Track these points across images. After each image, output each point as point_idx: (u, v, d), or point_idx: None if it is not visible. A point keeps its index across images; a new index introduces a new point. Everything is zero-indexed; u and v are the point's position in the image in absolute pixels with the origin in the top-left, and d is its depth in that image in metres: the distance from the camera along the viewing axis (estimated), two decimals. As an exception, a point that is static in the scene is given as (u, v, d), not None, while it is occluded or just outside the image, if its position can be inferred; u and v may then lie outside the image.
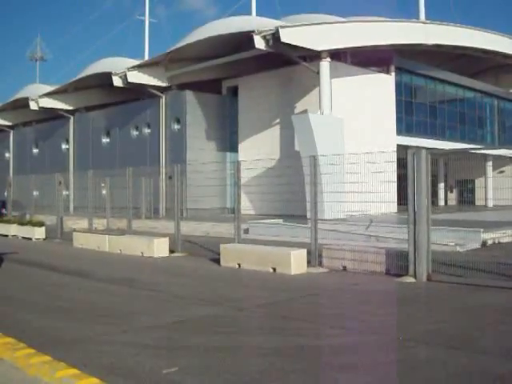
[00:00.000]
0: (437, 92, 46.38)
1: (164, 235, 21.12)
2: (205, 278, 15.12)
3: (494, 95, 53.23)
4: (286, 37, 31.52)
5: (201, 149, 39.91)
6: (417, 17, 42.31)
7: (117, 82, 40.51)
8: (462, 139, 46.76)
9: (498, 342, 8.37)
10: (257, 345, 8.28)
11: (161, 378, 6.69)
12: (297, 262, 15.20)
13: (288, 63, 35.65)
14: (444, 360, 7.39)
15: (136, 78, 40.00)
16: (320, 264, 15.73)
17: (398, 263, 14.31)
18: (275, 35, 31.40)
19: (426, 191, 13.52)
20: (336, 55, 35.08)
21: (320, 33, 33.83)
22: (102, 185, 29.97)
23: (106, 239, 21.86)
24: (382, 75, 40.17)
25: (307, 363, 7.35)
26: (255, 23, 34.65)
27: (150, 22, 56.88)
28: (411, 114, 43.33)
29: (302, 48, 32.70)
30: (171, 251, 19.84)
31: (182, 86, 41.14)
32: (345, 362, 7.41)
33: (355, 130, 34.25)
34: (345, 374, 6.91)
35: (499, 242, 20.64)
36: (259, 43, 31.93)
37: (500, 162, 39.52)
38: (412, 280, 13.42)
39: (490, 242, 20.91)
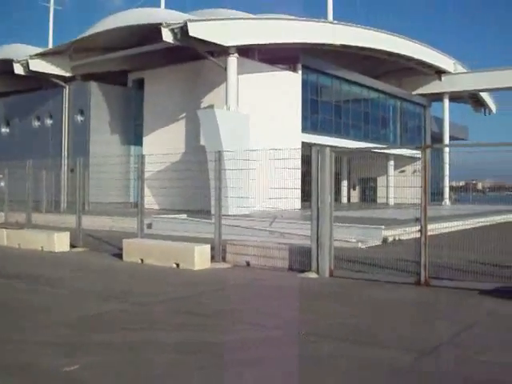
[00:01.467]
0: (342, 92, 47.18)
1: (65, 229, 20.58)
2: (107, 273, 14.81)
3: (398, 97, 54.63)
4: (195, 31, 31.32)
5: (105, 142, 39.03)
6: (325, 17, 42.93)
7: (18, 69, 39.02)
8: (366, 138, 47.77)
9: (397, 335, 8.56)
10: (160, 341, 8.16)
11: (60, 376, 6.47)
12: (200, 258, 15.10)
13: (196, 58, 35.37)
14: (345, 354, 7.54)
15: (38, 66, 38.67)
16: (224, 259, 15.68)
17: (301, 259, 14.45)
18: (183, 29, 31.14)
19: (330, 188, 13.68)
20: (244, 51, 35.09)
21: (228, 28, 33.81)
22: (0, 176, 28.89)
23: (4, 233, 21.09)
24: (289, 73, 40.52)
25: (211, 359, 7.31)
26: (164, 16, 34.30)
27: (54, 9, 55.09)
28: (317, 112, 43.90)
29: (210, 43, 32.57)
30: (72, 246, 19.33)
31: (87, 77, 40.12)
32: (249, 357, 7.41)
33: (261, 127, 34.37)
34: (249, 369, 6.91)
35: (399, 239, 21.15)
36: (167, 36, 31.57)
37: (401, 161, 40.56)
38: (315, 276, 13.56)
39: (390, 239, 21.41)
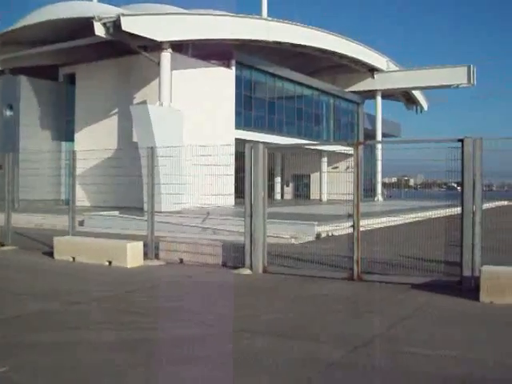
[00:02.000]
0: (276, 88, 47.33)
1: (-7, 227, 20.00)
2: (38, 271, 14.45)
3: (331, 94, 55.17)
4: (127, 25, 30.92)
5: (35, 137, 38.25)
6: (259, 14, 42.98)
7: None
8: (299, 135, 48.07)
9: (330, 330, 8.61)
10: (93, 340, 8.00)
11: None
12: (133, 255, 14.89)
13: (129, 52, 34.93)
14: (279, 349, 7.54)
15: (-35, 60, 37.65)
16: (157, 257, 15.49)
17: (235, 255, 14.43)
18: (116, 23, 30.72)
19: (263, 185, 13.68)
20: (177, 47, 34.86)
21: (162, 23, 33.51)
22: None
23: None
24: (223, 69, 40.43)
25: (145, 357, 7.21)
26: (96, 9, 33.68)
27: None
28: (250, 108, 43.93)
29: (143, 38, 32.23)
30: (1, 244, 18.82)
31: (16, 71, 39.18)
32: (184, 354, 7.34)
33: (195, 123, 34.24)
34: (184, 367, 6.85)
35: (332, 235, 21.32)
36: (99, 30, 31.08)
37: (334, 157, 40.82)
38: (248, 272, 13.53)
39: (323, 235, 21.59)
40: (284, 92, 48.56)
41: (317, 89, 52.77)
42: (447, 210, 12.51)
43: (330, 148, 38.27)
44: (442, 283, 11.89)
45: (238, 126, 40.72)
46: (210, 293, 11.77)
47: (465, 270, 11.55)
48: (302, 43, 43.32)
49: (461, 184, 11.83)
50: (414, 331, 8.57)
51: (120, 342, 7.91)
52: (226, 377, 6.61)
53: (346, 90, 56.47)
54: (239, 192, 14.33)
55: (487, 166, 11.99)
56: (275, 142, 38.47)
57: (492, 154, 11.88)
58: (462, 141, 11.70)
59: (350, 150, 13.14)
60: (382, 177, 46.40)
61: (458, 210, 11.85)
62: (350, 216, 12.79)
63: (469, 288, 11.29)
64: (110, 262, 14.91)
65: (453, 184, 12.99)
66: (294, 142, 39.14)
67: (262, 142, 14.50)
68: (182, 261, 15.17)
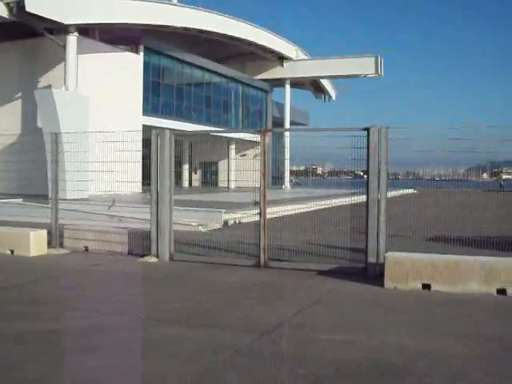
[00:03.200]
0: (184, 74, 47.02)
1: None
2: None
3: (240, 81, 55.25)
4: (32, 6, 29.91)
5: None
6: (169, -1, 42.59)
7: None
8: (208, 122, 47.96)
9: (236, 317, 8.60)
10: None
11: None
12: (36, 243, 14.47)
13: (34, 35, 33.82)
14: (185, 337, 7.50)
15: None
16: (61, 245, 15.12)
17: (141, 243, 14.26)
18: (20, 4, 29.68)
19: (169, 172, 13.53)
20: (84, 30, 34.03)
21: (68, 6, 32.51)
22: None
23: None
24: (131, 54, 39.82)
25: (51, 348, 7.02)
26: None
27: None
28: (158, 94, 43.52)
29: (48, 20, 31.26)
30: None
31: None
32: (90, 344, 7.17)
33: (101, 108, 33.56)
34: (90, 356, 6.71)
35: (240, 222, 21.37)
36: (2, 11, 29.97)
37: (243, 145, 40.95)
38: (155, 260, 13.39)
39: (231, 222, 21.63)
40: (193, 78, 48.30)
41: (226, 76, 52.74)
42: (353, 197, 12.70)
43: (238, 135, 38.41)
44: (348, 270, 12.09)
45: (145, 112, 40.18)
46: (116, 281, 11.59)
47: (370, 257, 11.78)
48: (211, 30, 43.18)
49: (366, 172, 12.03)
50: (320, 317, 8.67)
51: (18, 333, 7.64)
52: (131, 365, 6.54)
53: (255, 77, 56.70)
54: (147, 179, 14.12)
55: (393, 154, 12.25)
56: (184, 128, 38.15)
57: (398, 142, 12.14)
58: (367, 129, 11.88)
59: (257, 137, 13.14)
60: (291, 165, 46.73)
61: (364, 197, 12.05)
62: (256, 203, 12.82)
63: (374, 274, 11.52)
64: (12, 251, 14.45)
65: (360, 172, 13.21)
66: (202, 129, 39.04)
67: (169, 129, 14.34)
68: (87, 249, 14.87)
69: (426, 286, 10.51)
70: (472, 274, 10.38)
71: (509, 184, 21.76)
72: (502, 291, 10.21)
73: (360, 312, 9.08)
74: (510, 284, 10.23)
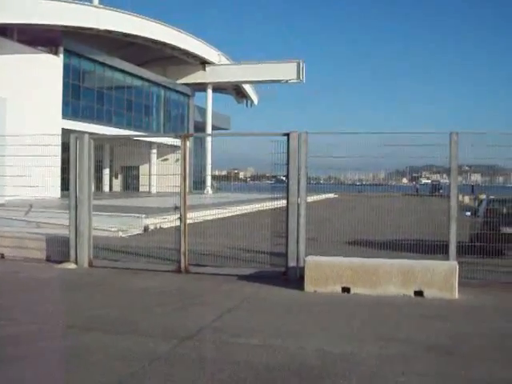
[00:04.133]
0: (106, 78, 46.41)
1: None
2: None
3: (162, 85, 54.89)
4: None
5: None
6: (89, 1, 41.92)
7: None
8: (129, 126, 47.44)
9: (156, 323, 8.52)
10: None
11: None
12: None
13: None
14: (107, 344, 7.40)
15: None
16: (-23, 252, 14.64)
17: (60, 249, 13.94)
18: None
19: (88, 176, 13.31)
20: (2, 30, 33.17)
21: (-17, 5, 31.74)
22: None
23: None
24: (51, 56, 39.00)
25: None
26: None
27: None
28: (79, 98, 42.79)
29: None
30: None
31: None
32: (10, 354, 7.00)
33: (20, 111, 32.72)
34: (11, 366, 6.55)
35: (161, 227, 21.23)
36: None
37: (164, 149, 40.64)
38: (73, 266, 13.14)
39: (151, 228, 21.46)
40: (114, 82, 47.71)
41: (147, 80, 52.31)
42: (274, 202, 12.78)
43: (159, 140, 38.06)
44: (269, 274, 12.16)
45: (65, 115, 39.39)
46: (34, 288, 11.29)
47: (290, 261, 11.87)
48: (134, 33, 42.81)
49: (286, 177, 12.12)
50: (241, 322, 8.68)
51: None
52: (51, 374, 6.40)
53: (177, 81, 56.44)
54: (66, 184, 13.84)
55: (314, 159, 12.40)
56: (104, 132, 37.72)
57: (319, 147, 12.29)
58: (287, 135, 11.98)
59: (178, 141, 13.07)
60: (213, 169, 46.80)
61: (285, 202, 12.14)
62: (177, 208, 12.75)
63: (294, 278, 11.62)
64: None
65: (282, 177, 13.28)
66: (123, 133, 38.59)
67: (88, 133, 14.13)
68: (3, 256, 14.48)
69: (346, 290, 10.66)
70: (390, 277, 10.60)
71: (425, 188, 22.26)
72: (419, 293, 10.46)
73: (280, 316, 9.12)
74: (426, 286, 10.49)
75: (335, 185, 20.05)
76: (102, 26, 39.22)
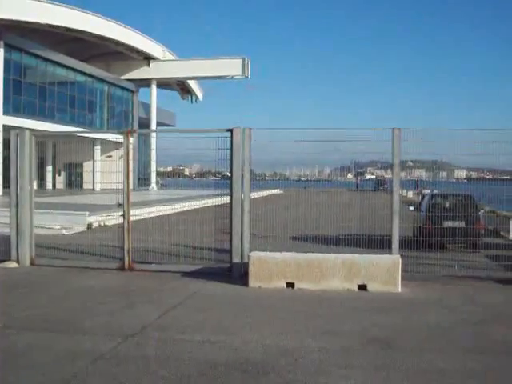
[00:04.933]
0: (48, 73, 45.53)
1: None
2: None
3: (106, 81, 54.20)
4: None
5: None
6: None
7: None
8: (72, 122, 46.65)
9: (100, 322, 8.43)
10: None
11: None
12: None
13: None
14: (49, 344, 7.30)
15: None
16: None
17: (1, 248, 13.64)
18: None
19: (29, 173, 13.09)
20: None
21: None
22: None
23: None
24: (-10, 51, 38.10)
25: None
26: None
27: None
28: (20, 93, 41.84)
29: None
30: None
31: None
32: None
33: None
34: None
35: (105, 225, 21.03)
36: None
37: (108, 146, 40.23)
38: (15, 265, 12.91)
39: (95, 225, 21.23)
40: (57, 77, 46.87)
41: (91, 75, 51.56)
42: (219, 198, 12.76)
43: (102, 136, 37.58)
44: (213, 270, 12.16)
45: (6, 111, 38.55)
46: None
47: (234, 257, 11.88)
48: (77, 27, 42.17)
49: (230, 173, 12.11)
50: (185, 318, 8.66)
51: None
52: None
53: (122, 77, 55.83)
54: (7, 181, 13.58)
55: (259, 155, 12.44)
56: (47, 128, 37.04)
57: (264, 144, 12.32)
58: (231, 131, 11.97)
59: (122, 138, 12.93)
60: (158, 166, 46.40)
61: (229, 198, 12.13)
62: (120, 205, 12.63)
63: (239, 274, 11.65)
64: None
65: (227, 173, 13.27)
66: (66, 130, 37.97)
67: (29, 129, 13.87)
68: None
69: (290, 285, 10.73)
70: (334, 272, 10.70)
71: (370, 183, 22.53)
72: (362, 287, 10.59)
73: (224, 312, 9.13)
74: (370, 280, 10.62)
75: (280, 181, 20.15)
76: (44, 20, 38.52)
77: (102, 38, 46.20)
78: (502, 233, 19.38)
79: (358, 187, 19.67)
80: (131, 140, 12.95)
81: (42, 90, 44.74)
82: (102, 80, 53.56)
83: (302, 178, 19.32)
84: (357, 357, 6.87)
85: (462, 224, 15.10)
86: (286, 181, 19.43)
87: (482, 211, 17.07)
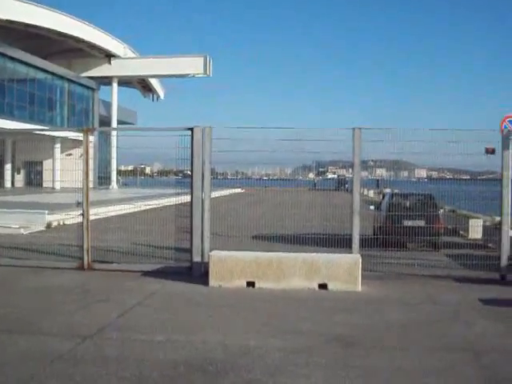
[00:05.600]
0: (7, 70, 44.85)
1: None
2: None
3: (66, 78, 53.59)
4: None
5: None
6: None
7: None
8: (31, 120, 45.99)
9: (59, 322, 8.34)
10: None
11: None
12: None
13: None
14: (6, 344, 7.20)
15: None
16: None
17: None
18: None
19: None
20: None
21: None
22: None
23: None
24: None
25: None
26: None
27: None
28: (-21, 90, 41.26)
29: None
30: None
31: None
32: None
33: None
34: None
35: (64, 224, 20.77)
36: None
37: (69, 144, 39.84)
38: (-29, 265, 12.67)
39: (55, 224, 20.97)
40: (16, 74, 46.20)
41: (51, 72, 50.91)
42: (180, 197, 12.71)
43: (62, 134, 37.21)
44: (174, 270, 12.11)
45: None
46: None
47: (195, 256, 11.85)
48: (37, 24, 41.62)
49: (190, 172, 12.07)
50: (145, 318, 8.61)
51: None
52: None
53: (82, 75, 55.27)
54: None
55: (221, 154, 12.42)
56: (5, 126, 36.47)
57: (225, 142, 12.30)
58: (191, 129, 11.93)
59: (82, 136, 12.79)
60: (119, 164, 46.10)
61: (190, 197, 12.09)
62: (79, 204, 12.50)
63: (199, 273, 11.63)
64: None
65: (189, 172, 13.23)
66: (25, 127, 37.48)
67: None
68: None
69: (251, 284, 10.73)
70: (294, 271, 10.73)
71: (332, 183, 22.68)
72: (323, 286, 10.63)
73: (184, 311, 9.11)
74: (330, 279, 10.67)
75: (242, 180, 20.18)
76: (4, 16, 37.95)
77: (63, 34, 45.69)
78: (461, 232, 19.65)
79: (315, 186, 19.77)
80: (91, 138, 12.82)
81: (1, 87, 44.11)
82: (62, 77, 52.94)
83: (264, 177, 19.36)
84: (317, 356, 6.88)
85: (422, 223, 15.25)
86: (248, 180, 19.45)
87: (441, 210, 17.28)
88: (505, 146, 12.05)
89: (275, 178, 19.18)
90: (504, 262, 11.98)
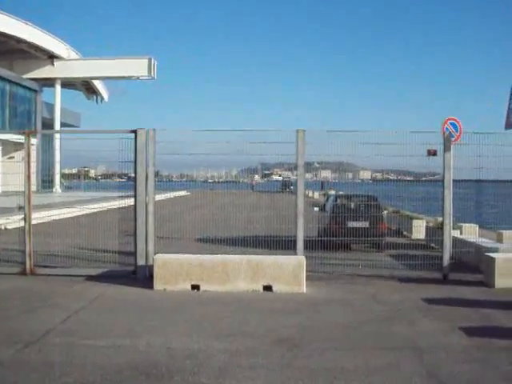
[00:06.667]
0: None
1: None
2: None
3: (7, 80, 52.56)
4: None
5: None
6: None
7: None
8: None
9: (0, 328, 8.19)
10: None
11: None
12: None
13: None
14: None
15: None
16: None
17: None
18: None
19: None
20: None
21: None
22: None
23: None
24: None
25: None
26: None
27: None
28: None
29: None
30: None
31: None
32: None
33: None
34: None
35: (6, 228, 20.39)
36: None
37: (11, 147, 39.22)
38: None
39: (-5, 229, 20.56)
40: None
41: (-8, 74, 49.95)
42: (124, 200, 12.63)
43: (3, 137, 36.57)
44: (118, 273, 12.03)
45: None
46: None
47: (139, 259, 11.79)
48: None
49: (134, 175, 12.01)
50: (89, 323, 8.54)
51: None
52: None
53: (25, 76, 54.28)
54: None
55: (165, 157, 12.39)
56: None
57: (170, 145, 12.26)
58: (135, 132, 11.87)
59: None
60: (62, 167, 45.55)
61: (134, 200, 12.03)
62: (21, 208, 12.30)
63: (144, 277, 11.57)
64: None
65: (133, 175, 13.16)
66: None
67: None
68: None
69: (196, 287, 10.73)
70: (239, 273, 10.77)
71: (277, 184, 22.83)
72: (268, 288, 10.70)
73: (128, 315, 9.05)
74: (275, 281, 10.74)
75: (187, 182, 20.14)
76: None
77: (3, 34, 44.80)
78: (404, 232, 19.98)
79: (253, 189, 19.87)
80: (33, 141, 12.65)
81: None
82: (3, 79, 51.91)
83: (209, 180, 19.36)
84: (262, 357, 6.93)
85: (366, 224, 15.47)
86: (193, 182, 19.43)
87: (385, 211, 17.54)
88: (446, 148, 12.31)
89: (221, 180, 19.21)
90: (446, 261, 12.24)
